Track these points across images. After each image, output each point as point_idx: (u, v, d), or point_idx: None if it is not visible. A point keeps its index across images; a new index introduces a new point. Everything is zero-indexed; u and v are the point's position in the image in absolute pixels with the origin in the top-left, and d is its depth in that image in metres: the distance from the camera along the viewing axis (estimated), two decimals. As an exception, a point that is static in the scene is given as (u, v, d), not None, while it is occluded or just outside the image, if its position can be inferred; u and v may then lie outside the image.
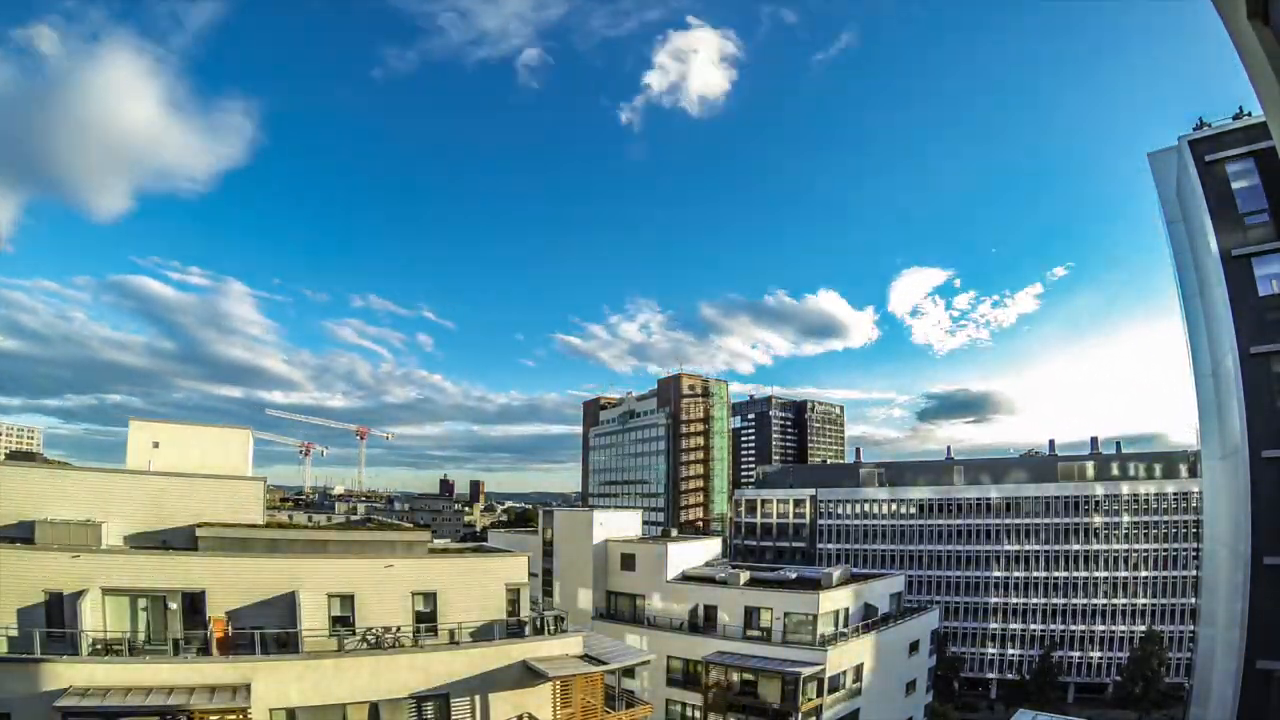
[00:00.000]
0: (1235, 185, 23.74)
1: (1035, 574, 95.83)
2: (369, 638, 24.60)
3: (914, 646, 50.82)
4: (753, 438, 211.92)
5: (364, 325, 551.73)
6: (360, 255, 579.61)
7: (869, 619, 46.69)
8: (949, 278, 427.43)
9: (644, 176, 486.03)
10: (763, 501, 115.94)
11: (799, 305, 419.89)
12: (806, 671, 38.52)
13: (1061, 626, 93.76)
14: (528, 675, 25.92)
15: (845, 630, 43.82)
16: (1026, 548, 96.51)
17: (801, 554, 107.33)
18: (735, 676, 41.48)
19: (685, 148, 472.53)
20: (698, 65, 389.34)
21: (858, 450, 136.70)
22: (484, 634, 26.94)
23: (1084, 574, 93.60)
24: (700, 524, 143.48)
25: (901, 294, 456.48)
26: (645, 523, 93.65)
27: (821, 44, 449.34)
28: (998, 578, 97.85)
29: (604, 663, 27.82)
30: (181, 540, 25.42)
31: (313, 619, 23.84)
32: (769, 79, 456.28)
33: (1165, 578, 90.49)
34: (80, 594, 21.02)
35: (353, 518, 47.08)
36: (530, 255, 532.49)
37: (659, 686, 44.47)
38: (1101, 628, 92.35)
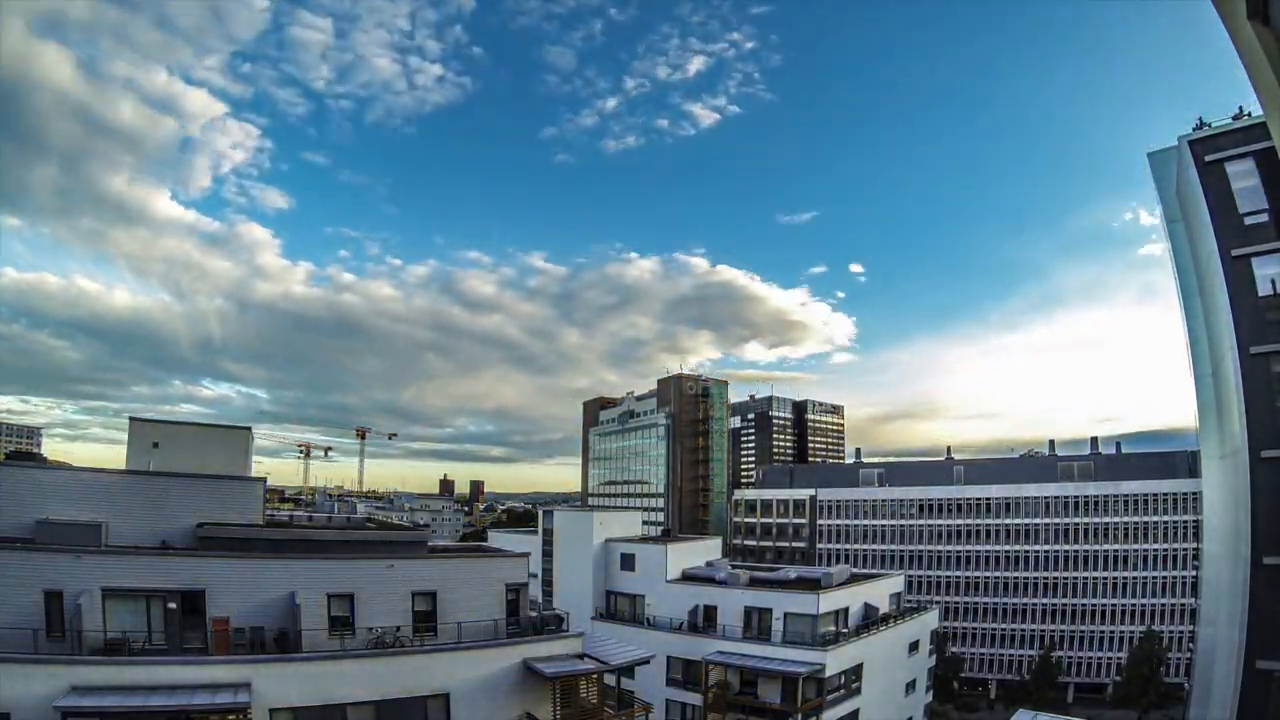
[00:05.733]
0: (1235, 185, 23.71)
1: (1035, 574, 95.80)
2: (369, 638, 24.61)
3: (914, 646, 50.84)
4: (753, 438, 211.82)
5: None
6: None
7: (869, 619, 46.69)
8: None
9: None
10: (762, 502, 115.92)
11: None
12: (806, 672, 38.53)
13: (1061, 626, 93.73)
14: (528, 675, 25.95)
15: (845, 630, 43.83)
16: (1026, 548, 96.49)
17: (801, 554, 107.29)
18: (734, 675, 41.49)
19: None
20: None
21: (858, 450, 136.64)
22: (484, 634, 26.95)
23: (1083, 574, 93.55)
24: (700, 524, 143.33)
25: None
26: (645, 523, 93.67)
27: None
28: (997, 577, 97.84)
29: (604, 663, 27.86)
30: (181, 540, 25.44)
31: (313, 619, 23.83)
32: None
33: (1165, 578, 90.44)
34: (80, 594, 21.02)
35: (352, 517, 47.06)
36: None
37: (659, 686, 44.47)
38: (1101, 628, 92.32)
